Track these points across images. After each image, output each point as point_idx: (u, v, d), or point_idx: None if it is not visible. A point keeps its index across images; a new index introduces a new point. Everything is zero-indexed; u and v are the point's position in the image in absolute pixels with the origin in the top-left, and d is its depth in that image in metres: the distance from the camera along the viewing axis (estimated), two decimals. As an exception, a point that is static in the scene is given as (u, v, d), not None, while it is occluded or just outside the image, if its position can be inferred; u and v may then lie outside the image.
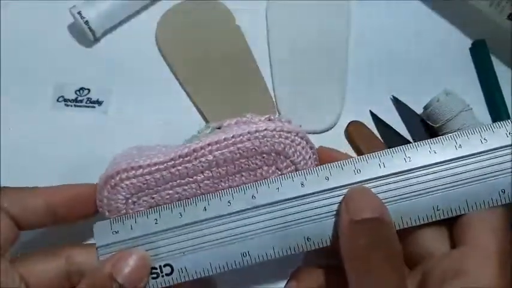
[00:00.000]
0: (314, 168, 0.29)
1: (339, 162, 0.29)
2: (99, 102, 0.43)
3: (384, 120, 0.43)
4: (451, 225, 0.28)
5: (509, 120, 0.29)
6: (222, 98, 0.44)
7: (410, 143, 0.42)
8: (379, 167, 0.29)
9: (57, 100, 0.43)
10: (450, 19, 0.48)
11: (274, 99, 0.44)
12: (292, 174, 0.29)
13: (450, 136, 0.29)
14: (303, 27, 0.47)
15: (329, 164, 0.29)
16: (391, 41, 0.47)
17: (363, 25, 0.48)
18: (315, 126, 0.43)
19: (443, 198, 0.28)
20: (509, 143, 0.28)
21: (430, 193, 0.28)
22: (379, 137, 0.42)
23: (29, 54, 0.45)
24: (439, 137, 0.29)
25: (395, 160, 0.29)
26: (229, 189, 0.29)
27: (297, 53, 0.46)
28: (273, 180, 0.29)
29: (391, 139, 0.42)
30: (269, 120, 0.31)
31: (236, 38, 0.46)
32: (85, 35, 0.44)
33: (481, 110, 0.44)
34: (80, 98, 0.43)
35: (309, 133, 0.43)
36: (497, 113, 0.43)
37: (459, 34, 0.48)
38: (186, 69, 0.45)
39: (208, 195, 0.29)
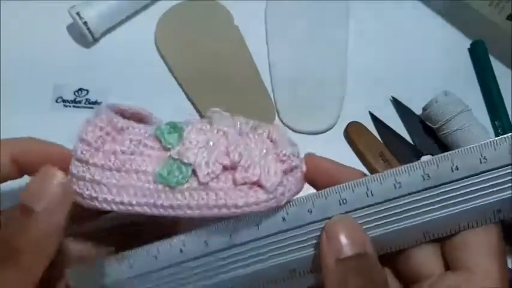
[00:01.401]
0: (296, 201, 0.27)
1: (322, 192, 0.26)
2: (98, 103, 0.43)
3: (383, 121, 0.43)
4: (442, 241, 0.27)
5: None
6: (220, 98, 0.43)
7: (410, 143, 0.42)
8: (366, 195, 0.26)
9: (56, 101, 0.43)
10: (449, 19, 0.48)
11: (273, 100, 0.44)
12: (273, 208, 0.27)
13: (447, 156, 0.26)
14: (302, 27, 0.47)
15: (312, 195, 0.27)
16: (390, 42, 0.47)
17: (362, 25, 0.48)
18: (314, 127, 0.43)
19: (434, 222, 0.26)
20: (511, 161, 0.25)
21: (420, 218, 0.26)
22: (379, 138, 0.42)
23: (28, 55, 0.45)
24: (435, 157, 0.26)
25: (384, 187, 0.26)
26: (206, 228, 0.27)
27: (296, 53, 0.46)
28: (252, 216, 0.27)
29: (391, 140, 0.42)
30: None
31: (235, 38, 0.46)
32: (84, 35, 0.44)
33: (480, 110, 0.44)
34: (78, 99, 0.43)
35: (309, 133, 0.43)
36: (496, 113, 0.43)
37: (458, 34, 0.48)
38: (184, 70, 0.45)
39: (183, 235, 0.27)
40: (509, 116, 0.43)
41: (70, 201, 0.26)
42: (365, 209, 0.26)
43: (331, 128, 0.43)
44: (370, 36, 0.47)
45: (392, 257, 0.27)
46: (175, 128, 0.29)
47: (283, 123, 0.43)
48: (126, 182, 0.28)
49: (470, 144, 0.40)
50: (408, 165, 0.26)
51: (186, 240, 0.27)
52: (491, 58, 0.46)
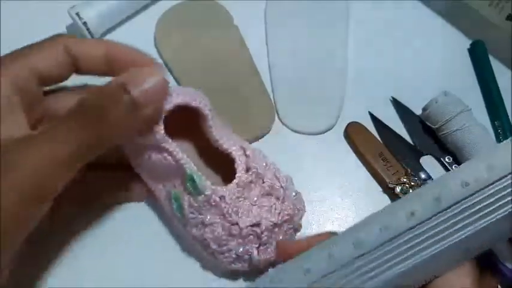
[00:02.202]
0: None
1: (286, 264, 0.27)
2: (97, 104, 0.43)
3: (383, 121, 0.43)
4: None
5: (463, 166, 0.25)
6: (220, 98, 0.43)
7: (409, 143, 0.42)
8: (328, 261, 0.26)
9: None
10: (449, 20, 0.48)
11: (273, 100, 0.44)
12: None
13: (401, 203, 0.25)
14: (302, 28, 0.47)
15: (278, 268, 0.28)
16: (390, 42, 0.47)
17: (362, 25, 0.48)
18: (314, 127, 0.43)
19: (402, 275, 0.25)
20: (467, 194, 0.24)
21: (386, 274, 0.25)
22: (378, 138, 0.42)
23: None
24: (390, 205, 0.26)
25: (343, 249, 0.26)
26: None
27: (296, 53, 0.46)
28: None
29: (390, 140, 0.42)
30: None
31: (234, 38, 0.46)
32: (83, 36, 0.44)
33: (480, 110, 0.44)
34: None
35: (309, 134, 0.43)
36: (496, 113, 0.43)
37: (458, 34, 0.48)
38: (184, 70, 0.45)
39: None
40: (509, 116, 0.43)
41: (160, 104, 0.30)
42: (327, 276, 0.26)
43: (331, 128, 0.43)
44: (370, 36, 0.47)
45: None
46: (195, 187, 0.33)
47: (283, 124, 0.43)
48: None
49: (469, 145, 0.41)
50: (364, 220, 0.26)
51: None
52: (491, 58, 0.46)
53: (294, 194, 0.36)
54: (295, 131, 0.43)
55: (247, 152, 0.34)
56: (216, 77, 0.44)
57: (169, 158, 0.33)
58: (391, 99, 0.44)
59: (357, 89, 0.45)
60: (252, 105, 0.43)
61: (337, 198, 0.40)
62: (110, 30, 0.46)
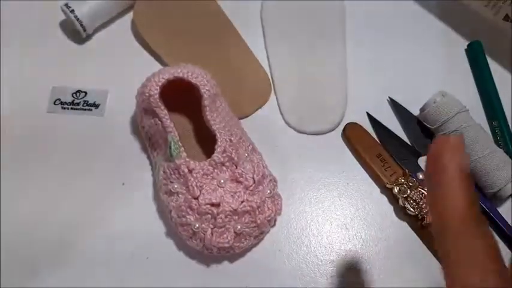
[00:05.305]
0: None
1: None
2: (95, 105, 0.43)
3: (381, 121, 0.43)
4: None
5: None
6: (216, 79, 0.40)
7: (407, 144, 0.42)
8: None
9: (54, 103, 0.43)
10: (447, 20, 0.48)
11: (276, 101, 0.44)
12: None
13: None
14: (300, 28, 0.47)
15: None
16: (388, 42, 0.47)
17: (360, 26, 0.47)
18: (320, 126, 0.43)
19: None
20: None
21: None
22: (376, 139, 0.42)
23: (25, 57, 0.45)
24: None
25: None
26: None
27: (295, 54, 0.46)
28: None
29: (388, 141, 0.42)
30: None
31: (215, 12, 0.46)
32: (77, 32, 0.44)
33: (477, 110, 0.44)
34: (76, 101, 0.42)
35: (315, 134, 0.43)
36: (493, 113, 0.43)
37: (455, 35, 0.48)
38: (172, 53, 0.44)
39: None
40: (507, 117, 0.43)
41: None
42: None
43: (337, 127, 0.43)
44: (367, 37, 0.47)
45: None
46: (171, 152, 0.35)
47: (288, 125, 0.43)
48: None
49: (467, 145, 0.41)
50: None
51: None
52: (488, 58, 0.46)
53: (268, 192, 0.36)
54: (301, 132, 0.43)
55: (232, 138, 0.36)
56: (208, 58, 0.44)
57: (159, 123, 0.36)
58: (389, 99, 0.44)
59: (354, 90, 0.44)
60: (246, 78, 0.44)
61: (336, 198, 0.40)
62: (103, 26, 0.46)
